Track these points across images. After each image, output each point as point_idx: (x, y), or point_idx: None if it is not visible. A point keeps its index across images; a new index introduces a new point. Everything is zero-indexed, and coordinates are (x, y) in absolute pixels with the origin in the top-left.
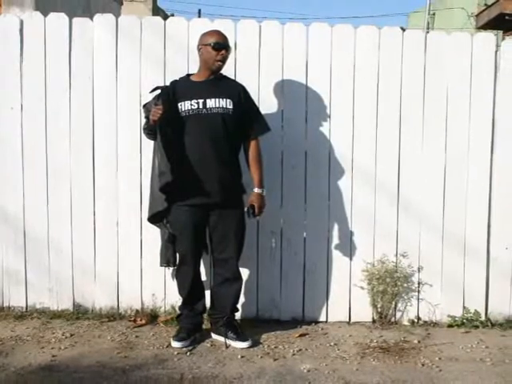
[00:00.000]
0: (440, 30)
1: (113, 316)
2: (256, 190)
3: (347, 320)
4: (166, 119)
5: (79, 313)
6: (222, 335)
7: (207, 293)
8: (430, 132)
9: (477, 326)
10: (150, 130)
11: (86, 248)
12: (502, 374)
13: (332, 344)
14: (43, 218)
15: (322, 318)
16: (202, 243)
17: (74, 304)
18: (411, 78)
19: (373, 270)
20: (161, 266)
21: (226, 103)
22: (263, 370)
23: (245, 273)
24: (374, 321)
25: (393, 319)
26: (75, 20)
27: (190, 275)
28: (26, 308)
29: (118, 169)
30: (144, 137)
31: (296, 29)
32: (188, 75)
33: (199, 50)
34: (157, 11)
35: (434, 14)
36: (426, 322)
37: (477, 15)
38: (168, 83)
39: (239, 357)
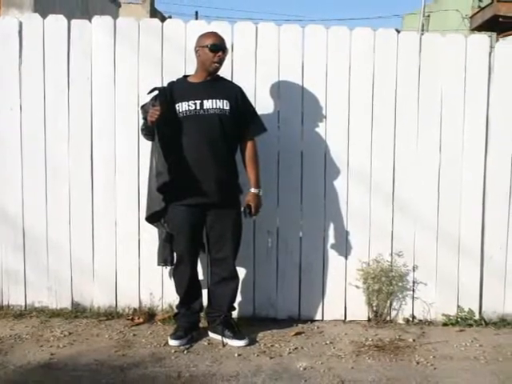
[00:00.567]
0: (434, 31)
1: (111, 315)
2: (252, 189)
3: (343, 318)
4: (164, 120)
5: (78, 311)
6: (218, 334)
7: (204, 292)
8: (425, 132)
9: (471, 325)
10: (148, 131)
11: (85, 247)
12: (495, 372)
13: (328, 342)
14: (42, 218)
15: (318, 316)
16: (199, 243)
17: (72, 303)
18: (406, 80)
19: (368, 269)
20: (158, 265)
21: (222, 104)
22: (259, 368)
23: (241, 272)
24: (369, 319)
25: (388, 318)
26: (73, 22)
27: (187, 274)
28: (25, 307)
29: (116, 169)
30: (142, 137)
31: (292, 31)
32: (185, 76)
33: (196, 51)
34: (154, 13)
35: (428, 16)
36: (420, 320)
37: (471, 17)
38: (165, 84)
39: (236, 355)
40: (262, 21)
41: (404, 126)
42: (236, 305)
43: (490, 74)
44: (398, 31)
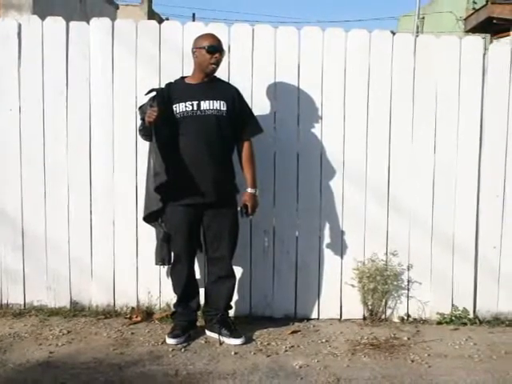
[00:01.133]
0: (429, 33)
1: (109, 313)
2: (249, 189)
3: (338, 317)
4: (161, 121)
5: (76, 310)
6: (215, 332)
7: (201, 291)
8: (420, 133)
9: (465, 323)
10: (146, 132)
11: (83, 247)
12: (489, 370)
13: (323, 341)
14: (41, 218)
15: (314, 315)
16: (197, 242)
17: (71, 301)
18: (401, 81)
19: (363, 269)
20: (156, 264)
21: (219, 105)
22: (256, 366)
23: (238, 271)
24: (364, 318)
25: (383, 316)
26: (72, 24)
27: (184, 273)
28: (24, 305)
29: (114, 169)
30: (140, 138)
31: (288, 32)
32: (182, 78)
33: (194, 53)
34: (152, 15)
35: (423, 18)
36: (415, 319)
37: (465, 19)
38: (163, 85)
39: (233, 353)
40: (259, 23)
41: (399, 127)
42: (233, 303)
43: (484, 75)
44: (393, 33)
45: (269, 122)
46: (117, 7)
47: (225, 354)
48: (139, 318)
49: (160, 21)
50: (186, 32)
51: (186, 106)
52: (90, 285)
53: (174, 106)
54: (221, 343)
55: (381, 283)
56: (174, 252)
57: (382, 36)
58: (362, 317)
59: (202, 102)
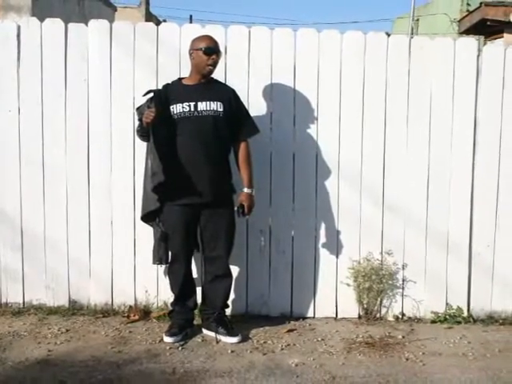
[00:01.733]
0: (424, 35)
1: (107, 312)
2: (245, 189)
3: (334, 316)
4: (159, 121)
5: (75, 309)
6: (212, 330)
7: (198, 289)
8: (415, 133)
9: (459, 322)
10: (143, 132)
11: (82, 246)
12: (483, 368)
13: (319, 339)
14: (40, 218)
15: (310, 313)
16: (194, 242)
17: (69, 300)
18: (396, 82)
19: (359, 268)
20: (153, 263)
21: (216, 106)
22: (252, 364)
23: (235, 270)
24: (359, 317)
25: (378, 315)
26: (71, 25)
27: (181, 273)
28: (23, 304)
29: (112, 170)
30: (137, 138)
31: (284, 34)
32: (180, 79)
33: (191, 54)
34: (149, 17)
35: (418, 20)
36: (410, 317)
37: (459, 21)
38: (160, 87)
39: (229, 351)
40: (255, 24)
41: (394, 127)
42: (229, 302)
43: (477, 76)
44: (388, 34)
45: (265, 123)
46: (115, 9)
47: (221, 353)
48: (137, 317)
49: (157, 23)
50: (183, 34)
51: (183, 107)
52: (88, 284)
53: (171, 106)
54: (217, 341)
55: (376, 282)
56: (172, 251)
57: (377, 38)
58: (357, 315)
59: (199, 103)
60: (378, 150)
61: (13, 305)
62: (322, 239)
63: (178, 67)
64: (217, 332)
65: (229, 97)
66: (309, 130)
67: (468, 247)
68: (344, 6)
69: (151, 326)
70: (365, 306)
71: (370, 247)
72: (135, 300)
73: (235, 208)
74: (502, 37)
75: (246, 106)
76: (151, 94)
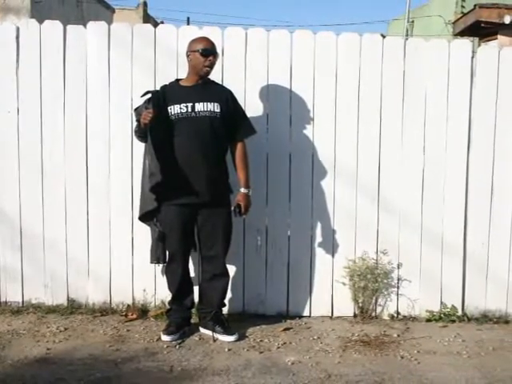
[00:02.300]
0: (419, 36)
1: (105, 311)
2: (242, 189)
3: (330, 314)
4: (157, 122)
5: (73, 308)
6: (209, 329)
7: (196, 288)
8: (409, 134)
9: (454, 321)
10: (141, 133)
11: (80, 246)
12: (477, 367)
13: (315, 337)
14: (39, 218)
15: (306, 312)
16: (191, 241)
17: (68, 299)
18: (391, 83)
19: (354, 267)
20: (151, 262)
21: (213, 107)
22: (249, 362)
23: (232, 269)
24: (355, 315)
25: (373, 314)
26: (69, 27)
27: (179, 272)
28: (22, 303)
29: (110, 170)
30: (135, 139)
31: (281, 35)
32: (177, 80)
33: (188, 56)
34: (147, 19)
35: (412, 22)
36: (405, 316)
37: (454, 23)
38: (158, 88)
39: (226, 350)
40: (252, 26)
41: (389, 128)
42: (226, 301)
43: (472, 77)
44: (384, 36)
45: (261, 124)
46: (113, 11)
47: (218, 351)
48: (135, 316)
49: (155, 24)
50: (180, 35)
51: (180, 108)
52: (86, 283)
53: (168, 107)
54: (214, 340)
55: (371, 281)
56: (169, 251)
57: (373, 39)
58: (352, 314)
59: (197, 104)
60: (373, 150)
61: (12, 304)
62: (318, 239)
63: (176, 68)
64: (214, 330)
65: (226, 98)
66: (305, 131)
67: (462, 247)
68: (340, 8)
69: (149, 325)
70: (360, 304)
71: (365, 246)
72: (133, 299)
73: (232, 208)
74: (496, 38)
75: (243, 107)
76: (149, 95)
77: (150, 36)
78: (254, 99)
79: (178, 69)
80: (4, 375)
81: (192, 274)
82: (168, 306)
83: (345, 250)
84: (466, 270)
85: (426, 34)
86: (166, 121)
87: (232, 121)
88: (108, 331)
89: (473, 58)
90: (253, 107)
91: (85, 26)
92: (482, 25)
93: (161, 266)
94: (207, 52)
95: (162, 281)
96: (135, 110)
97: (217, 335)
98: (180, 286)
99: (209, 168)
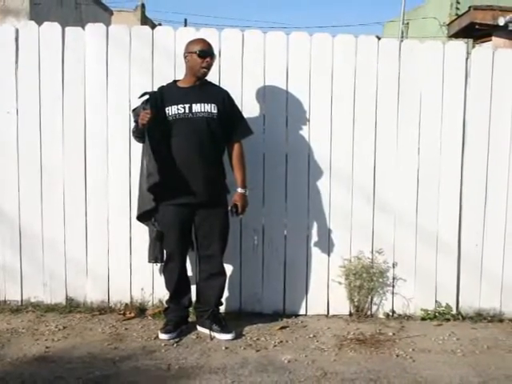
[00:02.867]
0: (414, 38)
1: (103, 309)
2: (239, 189)
3: (325, 313)
4: (154, 123)
5: (72, 306)
6: (206, 328)
7: (193, 287)
8: (404, 134)
9: (448, 319)
10: (139, 134)
11: (79, 245)
12: (471, 365)
13: (311, 336)
14: (38, 217)
15: (302, 311)
16: (188, 240)
17: (66, 298)
18: (386, 84)
19: (350, 266)
20: (149, 262)
21: (210, 108)
22: (246, 360)
23: (229, 268)
24: (351, 314)
25: (369, 312)
26: (68, 29)
27: (176, 271)
28: (22, 302)
29: (108, 170)
30: (133, 139)
31: (277, 37)
32: (175, 81)
33: (185, 57)
34: (145, 21)
35: (407, 24)
36: (400, 315)
37: (448, 24)
38: (156, 89)
39: (223, 348)
40: (249, 28)
41: (384, 129)
42: (223, 300)
43: (466, 78)
44: (379, 38)
45: (258, 124)
46: (111, 13)
47: (215, 349)
48: (133, 314)
49: (153, 26)
50: (178, 37)
51: (178, 109)
52: (85, 282)
53: (166, 108)
54: (212, 338)
55: (367, 280)
56: (167, 250)
57: (368, 41)
58: (348, 313)
59: (194, 105)
60: (368, 150)
61: (11, 302)
62: (314, 238)
63: (173, 70)
64: (211, 329)
65: (223, 99)
66: (301, 132)
67: (457, 246)
68: (336, 10)
69: (147, 324)
70: (356, 303)
71: (360, 246)
72: (131, 298)
73: (229, 208)
74: (491, 40)
75: (240, 108)
76: (147, 96)
77: (148, 38)
78: (251, 100)
79: (175, 70)
80: (3, 373)
81: (189, 273)
82: (166, 305)
83: (341, 249)
84: (460, 270)
85: (421, 35)
86: (164, 121)
87: (229, 121)
88: (106, 330)
89: (467, 59)
90: (249, 108)
91: (83, 27)
92: (477, 26)
93: (158, 265)
94: (204, 53)
95: (160, 280)
96: (133, 110)
97: (214, 334)
98: (177, 284)
99: (206, 168)
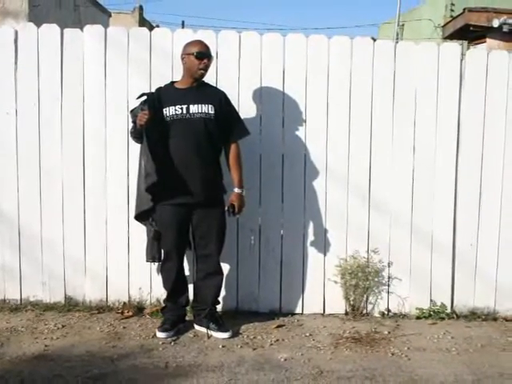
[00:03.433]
0: (409, 40)
1: (102, 308)
2: (236, 190)
3: (321, 312)
4: (152, 124)
5: (70, 305)
6: (204, 326)
7: (190, 287)
8: (400, 135)
9: (443, 318)
10: (137, 134)
11: (77, 244)
12: (466, 363)
13: (307, 335)
14: (37, 217)
15: (298, 310)
16: (186, 240)
17: (65, 297)
18: (382, 85)
19: (345, 265)
20: (147, 261)
21: (208, 109)
22: (243, 358)
23: (225, 268)
24: (346, 313)
25: (364, 311)
26: (66, 31)
27: (174, 270)
28: (21, 301)
29: (106, 170)
30: (131, 140)
31: (273, 39)
32: (172, 82)
33: (183, 58)
34: (143, 22)
35: (403, 25)
36: (395, 314)
37: (443, 26)
38: (154, 90)
39: (220, 346)
40: (246, 29)
41: (380, 129)
42: (220, 299)
43: (461, 79)
44: (374, 39)
45: (255, 125)
46: (109, 15)
47: (213, 348)
48: (131, 313)
49: (151, 28)
50: (175, 39)
51: (175, 110)
52: (83, 281)
53: (164, 109)
54: (209, 337)
55: (362, 279)
56: (164, 249)
57: (364, 42)
58: (344, 312)
59: (191, 106)
60: (364, 151)
61: (10, 301)
62: (310, 238)
63: (171, 71)
64: (208, 328)
65: (220, 100)
66: (297, 132)
67: (452, 246)
68: (332, 12)
69: (144, 322)
70: (351, 302)
71: (356, 245)
72: (129, 297)
73: (226, 208)
74: (485, 42)
75: (237, 109)
76: (145, 97)
77: (146, 39)
78: (248, 101)
79: (173, 71)
80: (3, 371)
81: (187, 272)
82: (163, 304)
83: (336, 248)
84: (455, 269)
85: (416, 37)
86: (162, 122)
87: (226, 122)
88: (104, 328)
89: (462, 60)
90: (246, 109)
91: (82, 29)
92: (471, 28)
93: (156, 264)
94: (202, 55)
95: (158, 279)
96: (131, 111)
97: (211, 332)
98: (175, 284)
99: (203, 168)
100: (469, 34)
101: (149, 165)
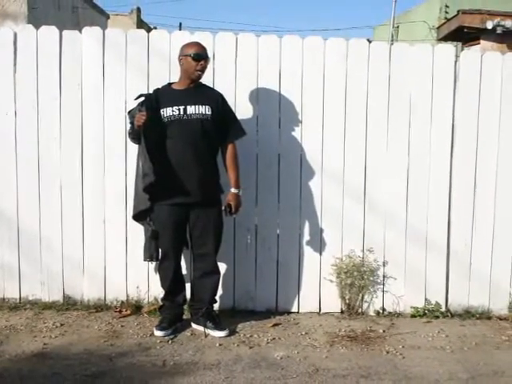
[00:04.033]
0: (404, 41)
1: (100, 307)
2: (233, 190)
3: (317, 311)
4: (150, 124)
5: (69, 304)
6: (201, 325)
7: (187, 285)
8: (394, 135)
9: (438, 317)
10: (135, 135)
11: (75, 244)
12: (460, 361)
13: (303, 333)
14: (36, 217)
15: (294, 308)
16: (183, 239)
17: (64, 296)
18: (377, 86)
19: (341, 265)
20: (144, 260)
21: (205, 110)
22: (239, 357)
23: (222, 267)
24: (342, 311)
25: (360, 310)
26: (65, 32)
27: (171, 269)
28: (20, 300)
29: (104, 170)
30: (129, 141)
31: (270, 40)
32: (170, 84)
33: (180, 60)
34: (141, 24)
35: (397, 27)
36: (390, 312)
37: (438, 28)
38: (151, 91)
39: (217, 345)
40: (242, 31)
41: (375, 130)
42: (217, 298)
43: (455, 81)
44: (370, 41)
45: (251, 126)
46: (107, 17)
47: (210, 346)
48: (129, 312)
49: (148, 30)
50: (172, 40)
51: (173, 111)
52: (81, 280)
53: (161, 110)
54: (206, 335)
55: (357, 278)
56: (162, 249)
57: (359, 44)
58: (339, 310)
59: (188, 107)
60: (359, 151)
61: (10, 300)
62: (306, 237)
63: (168, 72)
64: (205, 326)
65: (216, 101)
66: (293, 133)
67: (446, 246)
68: (327, 14)
69: (142, 321)
70: (347, 301)
71: (351, 245)
72: (127, 295)
73: (223, 207)
74: (479, 43)
75: (233, 110)
76: (142, 98)
77: (144, 41)
78: (244, 102)
79: (170, 73)
80: (2, 369)
81: (184, 271)
82: (161, 303)
83: (332, 248)
84: (449, 268)
85: (411, 38)
86: (159, 123)
87: (223, 123)
88: (103, 327)
89: (456, 62)
90: (243, 110)
91: (80, 31)
92: (465, 30)
93: (154, 263)
94: (199, 56)
95: (155, 278)
96: (129, 112)
97: (208, 331)
98: (172, 283)
99: (200, 169)
100: (463, 35)
101: (146, 165)
